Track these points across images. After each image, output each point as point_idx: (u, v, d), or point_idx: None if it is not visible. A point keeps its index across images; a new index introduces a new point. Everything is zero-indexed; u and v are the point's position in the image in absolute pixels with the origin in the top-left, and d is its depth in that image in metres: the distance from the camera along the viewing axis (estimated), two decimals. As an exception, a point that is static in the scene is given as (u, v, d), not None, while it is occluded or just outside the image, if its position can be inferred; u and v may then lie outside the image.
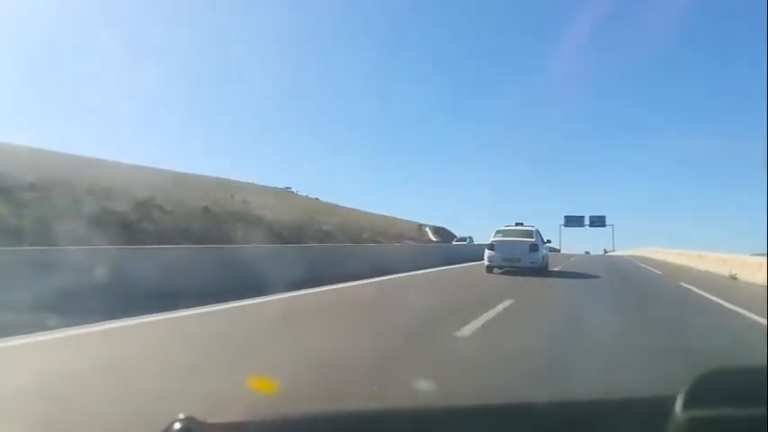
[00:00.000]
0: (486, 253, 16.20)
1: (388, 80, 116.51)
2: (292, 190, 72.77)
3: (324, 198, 68.70)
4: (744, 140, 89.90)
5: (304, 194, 70.62)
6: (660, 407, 1.08)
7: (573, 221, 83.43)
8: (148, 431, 2.20)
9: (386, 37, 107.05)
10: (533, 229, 17.06)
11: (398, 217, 66.48)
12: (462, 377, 4.43)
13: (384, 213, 65.69)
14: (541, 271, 15.92)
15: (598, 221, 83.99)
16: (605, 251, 77.59)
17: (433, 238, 57.94)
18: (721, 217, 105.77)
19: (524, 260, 15.69)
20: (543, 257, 16.56)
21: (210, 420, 1.03)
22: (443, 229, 65.56)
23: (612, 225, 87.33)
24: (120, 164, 40.16)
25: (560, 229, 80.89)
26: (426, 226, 64.67)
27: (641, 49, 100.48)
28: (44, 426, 3.08)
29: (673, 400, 1.06)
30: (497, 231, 16.79)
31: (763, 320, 7.81)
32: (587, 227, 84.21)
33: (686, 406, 1.05)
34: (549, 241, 18.82)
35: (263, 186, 63.76)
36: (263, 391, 3.71)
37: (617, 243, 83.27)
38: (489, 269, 16.02)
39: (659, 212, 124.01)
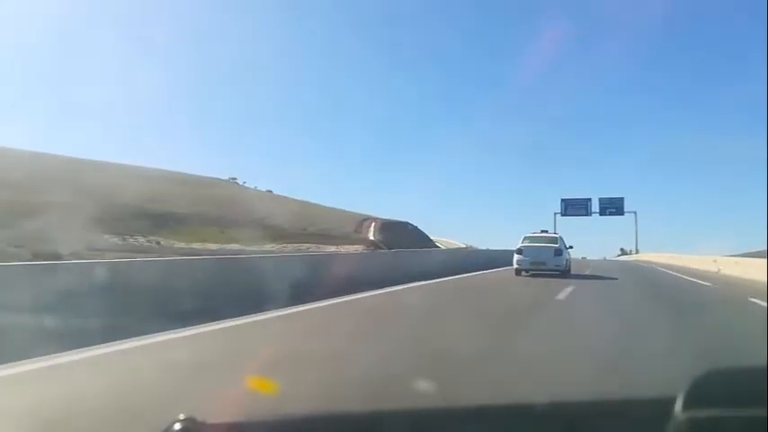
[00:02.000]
0: (516, 257, 17.99)
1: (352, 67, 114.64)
2: (237, 181, 70.79)
3: (278, 191, 66.65)
4: (731, 138, 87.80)
5: (252, 186, 68.22)
6: (660, 407, 1.08)
7: (574, 207, 59.85)
8: (149, 431, 2.20)
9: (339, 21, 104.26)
10: (557, 235, 19.28)
11: (353, 211, 59.07)
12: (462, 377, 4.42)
13: (343, 208, 59.88)
14: (565, 273, 17.61)
15: (612, 207, 59.46)
16: (622, 252, 60.80)
17: (372, 237, 44.20)
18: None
19: (549, 263, 17.50)
20: (566, 261, 18.43)
21: (210, 421, 1.03)
22: (405, 225, 51.72)
23: (635, 212, 61.40)
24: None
25: (555, 220, 57.64)
26: (373, 220, 50.45)
27: (636, 41, 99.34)
28: (44, 425, 3.09)
29: (673, 400, 1.06)
30: (525, 238, 18.63)
31: None
32: (596, 215, 59.81)
33: (686, 406, 1.05)
34: (571, 247, 20.82)
35: (205, 177, 61.27)
36: (263, 392, 3.71)
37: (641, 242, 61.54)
38: (518, 272, 17.83)
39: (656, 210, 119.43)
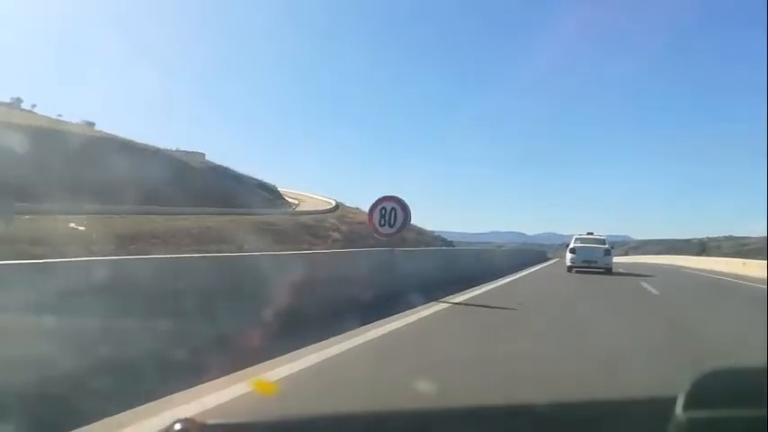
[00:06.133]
0: (569, 256, 20.16)
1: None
2: (25, 106, 52.27)
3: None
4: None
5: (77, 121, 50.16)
6: (660, 408, 1.08)
7: None
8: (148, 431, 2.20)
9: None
10: (604, 237, 21.89)
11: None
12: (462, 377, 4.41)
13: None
14: (609, 271, 19.65)
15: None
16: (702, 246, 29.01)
17: None
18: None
19: (600, 262, 19.74)
20: (612, 261, 20.89)
21: (210, 421, 1.03)
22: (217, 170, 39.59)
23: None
24: None
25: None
26: None
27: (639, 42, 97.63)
28: (44, 425, 3.09)
29: (673, 400, 1.06)
30: (576, 239, 20.99)
31: None
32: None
33: (686, 407, 1.05)
34: (613, 247, 22.44)
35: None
36: (264, 393, 3.71)
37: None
38: (570, 269, 19.86)
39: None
